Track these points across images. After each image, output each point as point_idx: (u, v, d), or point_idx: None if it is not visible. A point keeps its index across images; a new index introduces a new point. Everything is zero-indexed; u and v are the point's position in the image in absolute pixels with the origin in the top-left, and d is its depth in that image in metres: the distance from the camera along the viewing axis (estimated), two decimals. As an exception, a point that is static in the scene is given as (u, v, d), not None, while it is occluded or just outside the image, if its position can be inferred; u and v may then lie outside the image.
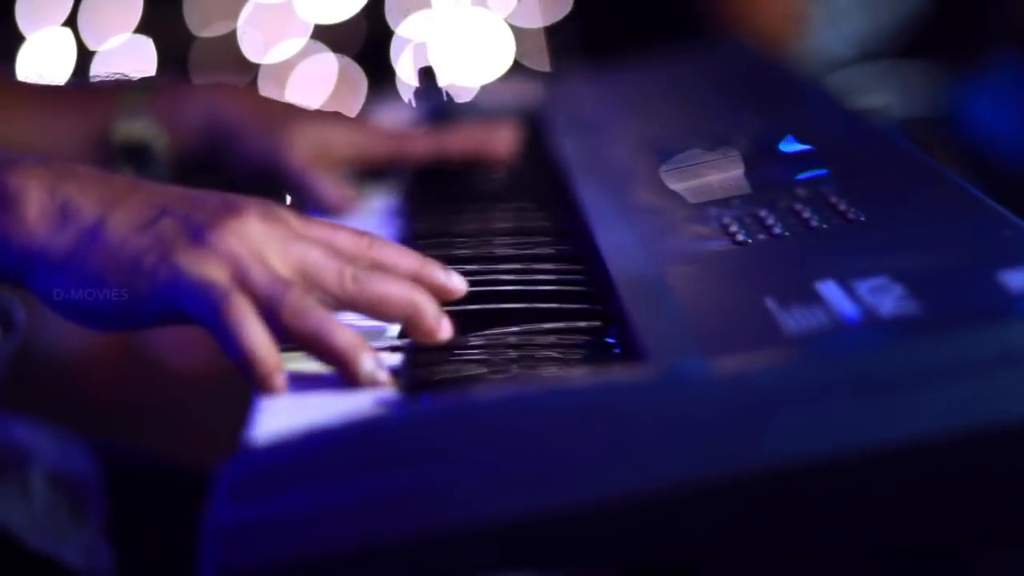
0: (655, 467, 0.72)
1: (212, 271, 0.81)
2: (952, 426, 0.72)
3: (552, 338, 0.88)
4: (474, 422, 0.72)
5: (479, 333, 0.89)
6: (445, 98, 1.43)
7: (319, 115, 1.26)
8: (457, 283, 0.89)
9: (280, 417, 0.78)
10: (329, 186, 1.21)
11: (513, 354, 0.86)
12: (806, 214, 0.95)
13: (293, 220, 0.86)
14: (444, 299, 0.88)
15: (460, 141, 1.27)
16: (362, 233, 0.89)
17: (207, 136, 1.23)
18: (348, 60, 3.77)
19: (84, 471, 1.20)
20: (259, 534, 0.71)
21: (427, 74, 1.42)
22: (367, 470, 0.71)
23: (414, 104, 1.46)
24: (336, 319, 0.82)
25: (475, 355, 0.86)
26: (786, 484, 0.72)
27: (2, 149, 0.87)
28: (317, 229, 0.87)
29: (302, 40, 3.75)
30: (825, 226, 0.93)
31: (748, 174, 1.05)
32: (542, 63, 3.72)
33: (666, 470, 0.72)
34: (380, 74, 3.69)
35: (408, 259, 0.89)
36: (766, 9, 2.38)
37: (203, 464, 1.32)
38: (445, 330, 0.86)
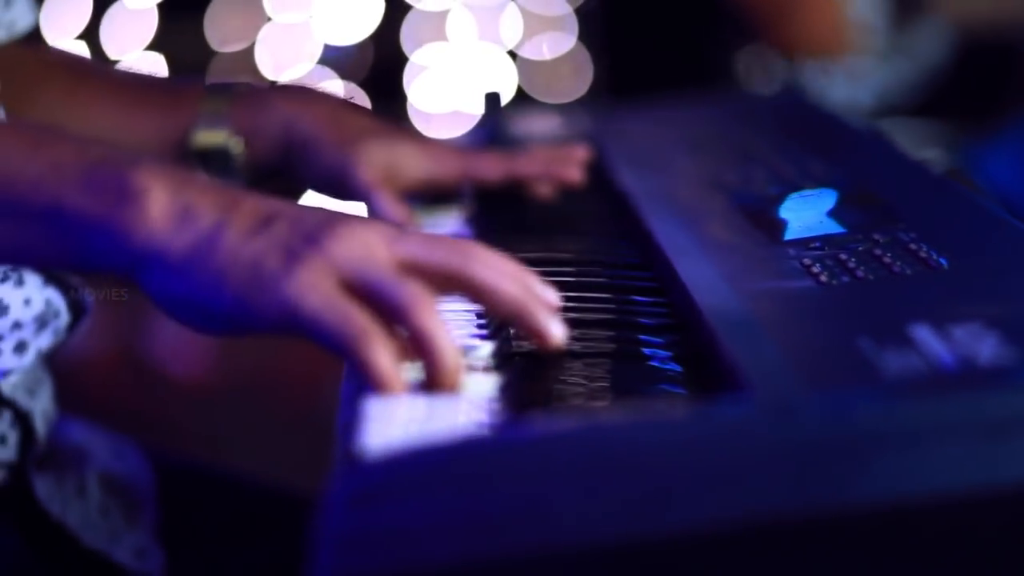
0: (756, 498, 0.73)
1: (326, 281, 0.83)
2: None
3: (642, 367, 0.89)
4: (588, 447, 0.73)
5: (569, 362, 0.90)
6: (503, 122, 1.45)
7: (393, 132, 1.28)
8: (552, 297, 0.89)
9: (389, 427, 0.79)
10: (390, 206, 1.22)
11: (607, 384, 0.87)
12: (887, 259, 0.96)
13: (394, 227, 0.88)
14: (540, 345, 0.89)
15: (531, 164, 1.28)
16: (459, 237, 0.90)
17: (283, 146, 1.24)
18: (354, 86, 3.79)
19: (137, 474, 1.21)
20: (374, 543, 0.72)
21: (493, 100, 1.43)
22: (482, 486, 0.72)
23: (477, 129, 1.47)
24: (444, 326, 0.84)
25: (572, 380, 0.87)
26: (883, 523, 0.74)
27: (127, 149, 0.90)
28: (419, 231, 0.89)
29: (309, 65, 3.77)
30: (908, 271, 0.94)
31: (825, 216, 1.07)
32: (545, 94, 3.75)
33: (766, 502, 0.73)
34: (385, 100, 3.72)
35: (509, 264, 0.89)
36: (813, 20, 2.40)
37: (237, 471, 1.33)
38: (556, 332, 0.88)
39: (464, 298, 0.89)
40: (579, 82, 3.56)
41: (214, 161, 1.23)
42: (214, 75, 3.65)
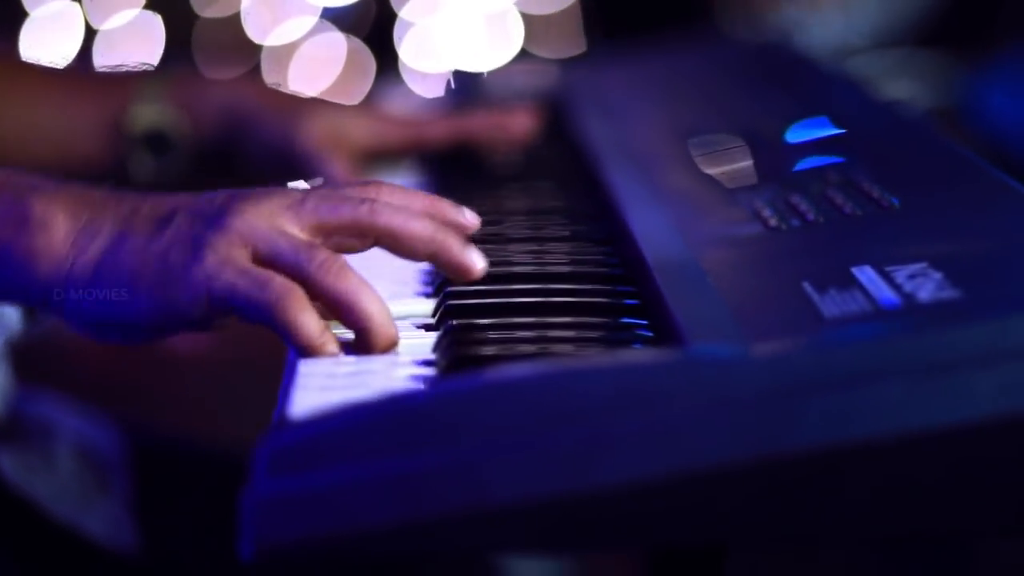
0: (695, 448, 0.72)
1: (237, 256, 0.82)
2: (991, 411, 0.72)
3: (589, 319, 0.88)
4: (512, 400, 0.72)
5: (512, 312, 0.88)
6: (468, 81, 1.44)
7: (335, 105, 1.27)
8: (471, 219, 0.88)
9: (316, 392, 0.78)
10: (340, 170, 1.21)
11: (549, 334, 0.85)
12: (839, 200, 0.95)
13: (295, 192, 0.87)
14: (461, 279, 0.87)
15: (477, 124, 1.27)
16: (366, 181, 0.88)
17: (224, 123, 1.24)
18: (358, 42, 3.76)
19: (108, 446, 1.21)
20: (297, 508, 0.71)
21: (457, 76, 1.44)
22: (405, 447, 0.71)
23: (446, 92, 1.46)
24: (367, 283, 0.83)
25: (512, 334, 0.85)
26: (822, 467, 0.72)
27: (24, 174, 0.87)
28: (323, 188, 0.88)
29: (312, 19, 3.74)
30: (859, 212, 0.92)
31: (779, 160, 1.05)
32: (549, 50, 3.71)
33: (703, 450, 0.72)
34: (389, 57, 3.69)
35: (418, 198, 0.88)
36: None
37: (224, 444, 1.33)
38: (477, 264, 0.86)
39: (382, 247, 0.86)
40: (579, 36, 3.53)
41: (154, 142, 1.22)
42: (199, 42, 3.63)
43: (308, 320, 0.81)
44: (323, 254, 0.83)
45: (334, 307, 0.83)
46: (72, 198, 0.86)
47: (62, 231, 0.84)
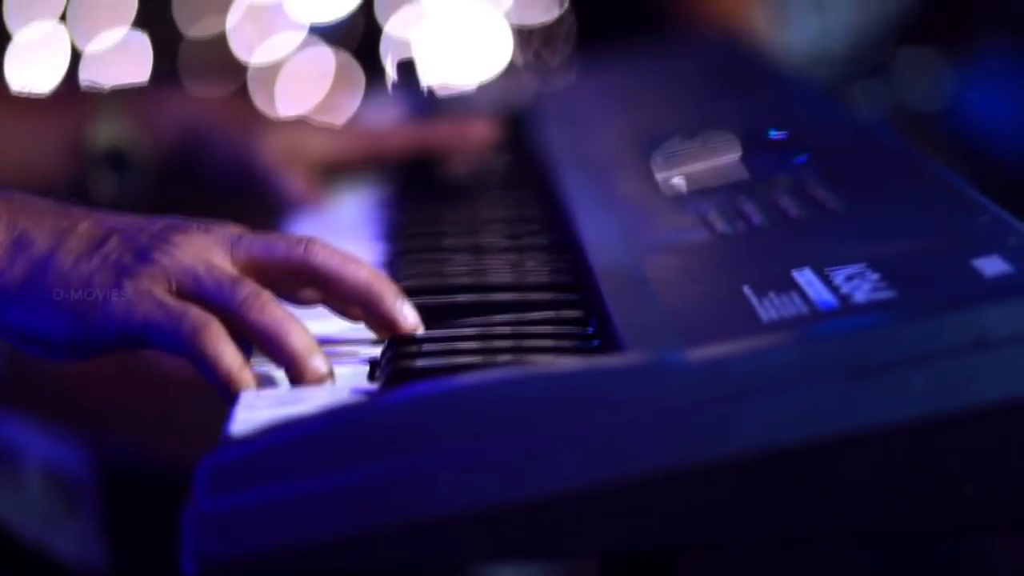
0: (633, 454, 0.72)
1: (159, 290, 0.82)
2: (926, 410, 0.72)
3: (533, 328, 0.89)
4: (451, 410, 0.73)
5: (457, 322, 0.89)
6: (425, 92, 1.44)
7: (293, 121, 1.28)
8: (410, 320, 0.87)
9: (257, 410, 0.79)
10: (296, 182, 1.22)
11: (496, 344, 0.86)
12: (785, 204, 0.95)
13: (235, 228, 0.87)
14: (393, 332, 0.86)
15: (435, 136, 1.28)
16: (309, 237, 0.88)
17: (183, 139, 1.25)
18: (346, 56, 3.76)
19: (77, 467, 1.21)
20: (238, 524, 0.71)
21: (406, 68, 1.44)
22: (346, 460, 0.72)
23: (392, 98, 1.47)
24: (293, 317, 0.83)
25: (454, 346, 0.86)
26: (763, 470, 0.73)
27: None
28: (259, 232, 0.87)
29: (299, 35, 3.74)
30: (804, 216, 0.93)
31: (730, 164, 1.06)
32: (534, 63, 3.71)
33: (644, 457, 0.72)
34: (378, 71, 3.69)
35: (362, 263, 0.87)
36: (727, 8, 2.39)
37: (193, 464, 1.33)
38: (409, 318, 0.86)
39: (314, 291, 0.86)
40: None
41: (113, 159, 1.23)
42: (186, 62, 3.64)
43: (225, 352, 0.81)
44: (247, 288, 0.82)
45: (258, 341, 0.83)
46: (9, 208, 0.86)
47: None
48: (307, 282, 0.86)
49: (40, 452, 1.20)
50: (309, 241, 0.85)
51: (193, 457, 1.36)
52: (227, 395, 0.81)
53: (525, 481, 0.72)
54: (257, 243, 0.85)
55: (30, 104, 1.30)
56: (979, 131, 2.42)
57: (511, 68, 3.70)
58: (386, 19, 3.72)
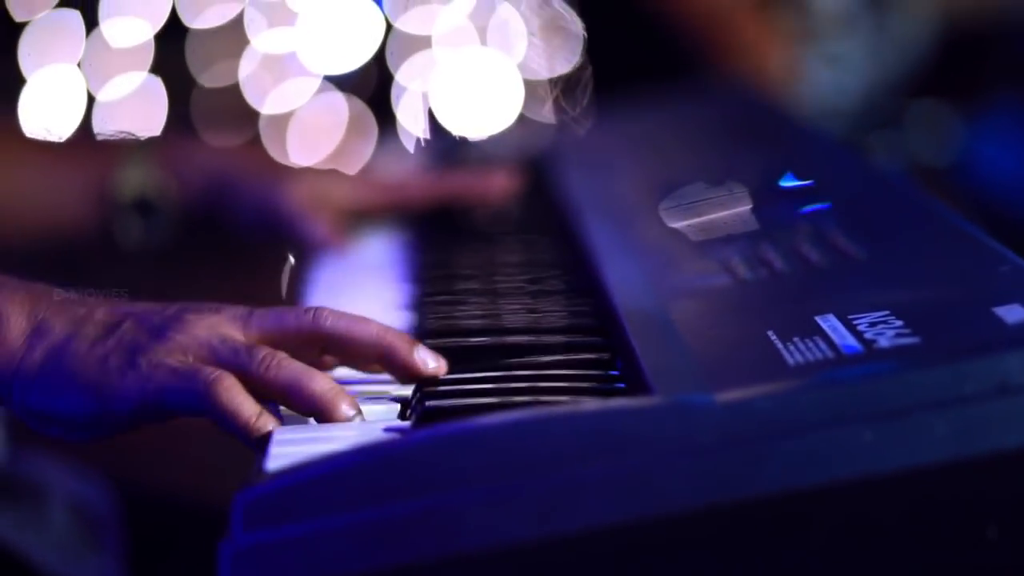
0: (662, 493, 0.74)
1: (177, 358, 0.84)
2: (950, 454, 0.74)
3: (559, 371, 0.90)
4: (483, 448, 0.74)
5: (485, 365, 0.90)
6: (450, 143, 1.47)
7: (318, 170, 1.30)
8: (430, 364, 0.89)
9: (292, 446, 0.80)
10: (321, 228, 1.23)
11: (521, 385, 0.87)
12: (806, 251, 0.97)
13: (243, 308, 0.89)
14: (415, 378, 0.89)
15: (457, 186, 1.29)
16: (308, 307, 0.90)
17: (209, 186, 1.26)
18: (360, 104, 3.78)
19: (101, 502, 1.22)
20: (273, 558, 0.73)
21: (431, 118, 1.47)
22: (378, 496, 0.73)
23: (413, 149, 1.49)
24: (312, 368, 0.85)
25: (483, 387, 0.87)
26: (788, 510, 0.74)
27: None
28: (272, 309, 0.90)
29: (314, 83, 3.76)
30: (826, 263, 0.95)
31: (750, 211, 1.07)
32: (548, 115, 3.72)
33: (672, 496, 0.74)
34: (390, 120, 3.70)
35: (370, 322, 0.89)
36: (759, 58, 2.42)
37: (215, 500, 1.34)
38: (429, 363, 0.88)
39: (331, 356, 0.89)
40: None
41: (140, 209, 1.25)
42: (198, 111, 3.66)
43: (241, 402, 0.83)
44: (262, 350, 0.85)
45: (283, 397, 0.85)
46: (30, 298, 0.89)
47: (15, 329, 0.87)
48: (322, 349, 0.88)
49: (64, 487, 1.21)
50: (316, 309, 0.88)
51: (213, 493, 1.37)
52: (250, 443, 0.83)
53: (555, 519, 0.73)
54: (268, 316, 0.88)
55: (58, 151, 1.32)
56: (990, 184, 2.44)
57: (522, 119, 3.72)
58: (397, 68, 3.74)
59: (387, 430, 0.83)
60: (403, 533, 0.73)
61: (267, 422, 0.83)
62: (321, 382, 0.84)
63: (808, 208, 1.06)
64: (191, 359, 0.85)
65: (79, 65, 3.53)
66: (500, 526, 0.73)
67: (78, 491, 1.22)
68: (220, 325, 0.86)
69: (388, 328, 0.88)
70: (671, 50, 2.48)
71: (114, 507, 1.24)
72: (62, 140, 1.36)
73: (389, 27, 3.72)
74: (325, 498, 0.73)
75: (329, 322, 0.87)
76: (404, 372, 0.88)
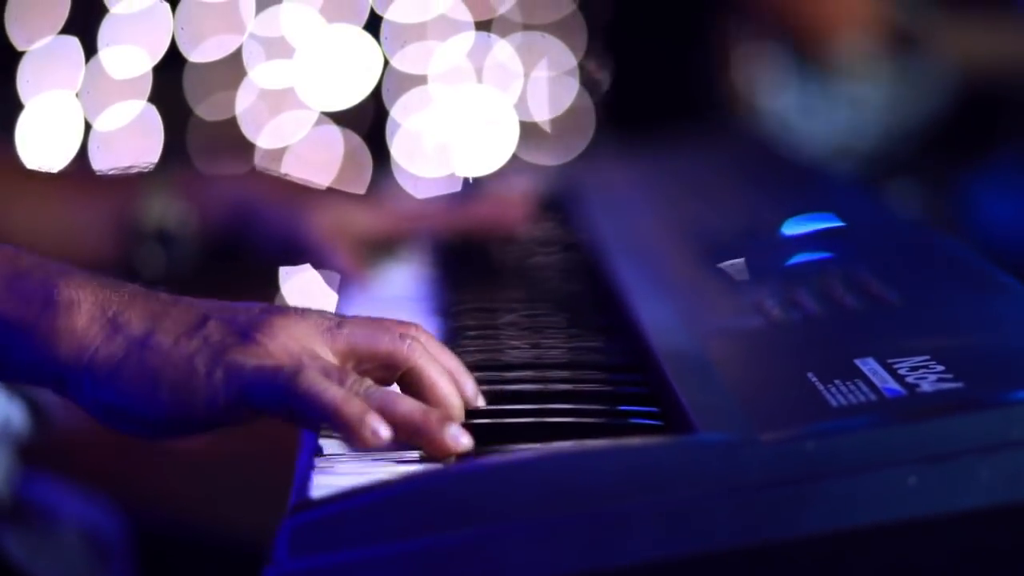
0: (707, 531, 0.74)
1: (267, 358, 0.82)
2: (994, 499, 0.74)
3: (598, 406, 0.90)
4: (527, 481, 0.74)
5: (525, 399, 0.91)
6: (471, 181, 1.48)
7: (340, 194, 1.30)
8: (475, 397, 0.88)
9: (335, 475, 0.80)
10: (343, 257, 1.23)
11: (559, 421, 0.87)
12: (840, 294, 0.97)
13: (331, 316, 0.87)
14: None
15: (476, 217, 1.29)
16: (405, 322, 0.89)
17: (230, 216, 1.26)
18: (356, 139, 3.80)
19: (111, 529, 1.22)
20: (319, 586, 0.72)
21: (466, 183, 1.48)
22: (423, 526, 0.73)
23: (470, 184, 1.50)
24: (396, 392, 0.83)
25: (520, 422, 0.88)
26: (832, 552, 0.74)
27: (57, 261, 0.89)
28: (358, 318, 0.88)
29: (311, 118, 3.78)
30: (859, 306, 0.95)
31: (781, 254, 1.08)
32: (542, 157, 3.74)
33: (717, 534, 0.74)
34: (385, 157, 3.72)
35: (449, 354, 0.89)
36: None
37: (224, 530, 1.34)
38: (464, 443, 0.83)
39: (402, 384, 0.87)
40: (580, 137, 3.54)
41: (164, 238, 1.25)
42: (195, 142, 3.67)
43: (327, 387, 0.80)
44: (351, 378, 0.82)
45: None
46: (102, 288, 0.87)
47: (86, 317, 0.85)
48: (398, 375, 0.86)
49: (75, 513, 1.21)
50: (413, 339, 0.86)
51: (222, 520, 1.37)
52: (340, 427, 0.80)
53: (599, 554, 0.73)
54: (360, 332, 0.86)
55: (78, 184, 1.32)
56: (995, 237, 2.46)
57: (516, 159, 3.74)
58: (392, 103, 3.76)
59: (430, 460, 0.83)
60: (448, 564, 0.73)
61: (357, 406, 0.80)
62: (409, 405, 0.82)
63: (838, 251, 1.07)
64: (280, 359, 0.82)
65: (77, 95, 3.54)
66: (545, 560, 0.73)
67: (88, 516, 1.22)
68: (308, 338, 0.84)
69: (456, 390, 0.87)
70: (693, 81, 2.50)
71: (123, 533, 1.24)
72: (80, 173, 1.36)
73: (386, 63, 3.75)
74: (372, 527, 0.73)
75: (421, 364, 0.86)
76: (431, 446, 0.83)
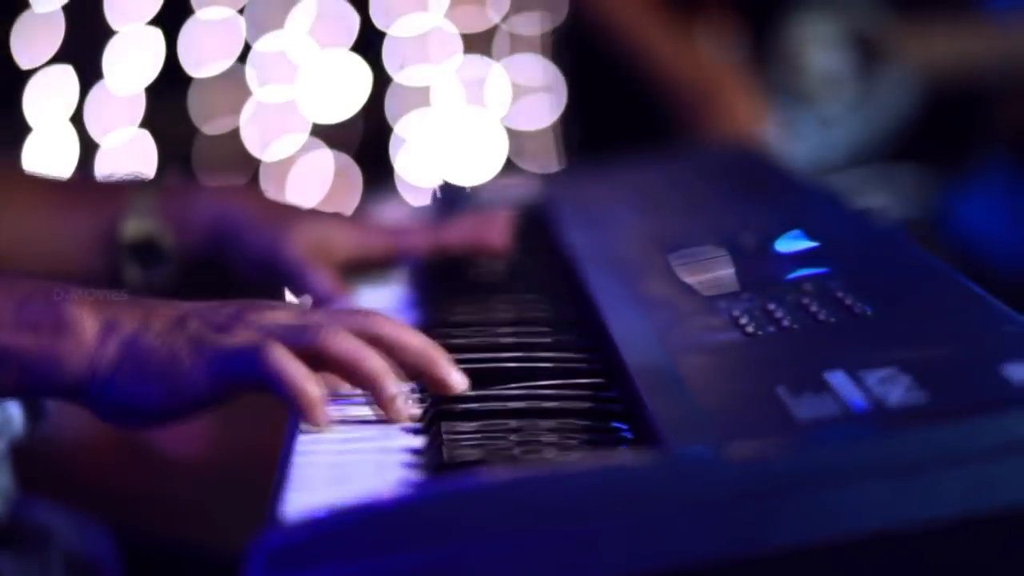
0: (670, 547, 0.74)
1: (242, 338, 0.92)
2: (959, 510, 0.75)
3: (571, 421, 0.91)
4: (499, 501, 0.75)
5: (500, 419, 0.92)
6: (453, 192, 1.48)
7: (320, 214, 1.31)
8: (458, 379, 0.95)
9: (309, 492, 0.81)
10: (323, 280, 1.24)
11: (533, 437, 0.88)
12: (813, 308, 0.98)
13: (303, 305, 0.99)
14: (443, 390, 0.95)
15: (456, 235, 1.30)
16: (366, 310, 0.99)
17: (211, 234, 1.27)
18: (346, 158, 3.84)
19: (101, 553, 1.23)
20: (291, 606, 0.73)
21: (446, 190, 1.49)
22: (395, 546, 0.74)
23: (433, 202, 1.51)
24: (366, 346, 0.92)
25: (496, 437, 0.88)
26: (795, 566, 0.75)
27: (50, 282, 0.98)
28: (325, 309, 0.99)
29: (303, 136, 3.81)
30: (832, 319, 0.96)
31: (756, 268, 1.09)
32: (535, 164, 3.78)
33: (680, 550, 0.74)
34: (378, 171, 3.75)
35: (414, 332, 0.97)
36: (728, 119, 2.45)
37: (215, 548, 1.35)
38: (458, 380, 0.94)
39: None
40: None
41: (144, 253, 1.26)
42: (199, 155, 3.70)
43: (291, 363, 0.90)
44: (324, 325, 0.92)
45: (338, 369, 0.92)
46: (96, 302, 0.96)
47: (89, 332, 0.94)
48: (371, 344, 0.94)
49: (66, 538, 1.21)
50: (372, 313, 0.96)
51: (213, 541, 1.38)
52: (297, 405, 0.90)
53: (571, 571, 0.74)
54: (327, 315, 0.95)
55: (66, 193, 1.32)
56: (970, 241, 2.46)
57: (505, 170, 3.78)
58: (395, 121, 3.79)
59: (405, 478, 0.84)
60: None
61: (314, 389, 0.90)
62: (375, 361, 0.92)
63: (812, 264, 1.08)
64: (255, 335, 0.92)
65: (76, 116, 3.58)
66: (516, 577, 0.74)
67: (80, 539, 1.22)
68: (282, 319, 0.93)
69: (431, 343, 0.95)
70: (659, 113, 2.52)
71: (114, 555, 1.24)
72: (69, 181, 1.37)
73: (389, 80, 3.78)
74: (343, 548, 0.74)
75: (383, 327, 0.94)
76: (436, 386, 0.94)
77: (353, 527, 0.74)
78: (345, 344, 0.92)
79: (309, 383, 0.90)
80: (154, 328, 0.94)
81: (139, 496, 2.57)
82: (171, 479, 2.66)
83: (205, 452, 2.74)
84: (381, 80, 3.82)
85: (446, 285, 1.23)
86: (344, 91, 3.84)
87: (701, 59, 2.50)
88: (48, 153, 3.53)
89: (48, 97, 3.55)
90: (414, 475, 0.85)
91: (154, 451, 2.80)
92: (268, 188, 3.62)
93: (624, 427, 0.91)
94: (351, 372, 0.92)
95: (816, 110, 2.55)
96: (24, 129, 3.53)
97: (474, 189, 1.59)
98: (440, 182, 1.47)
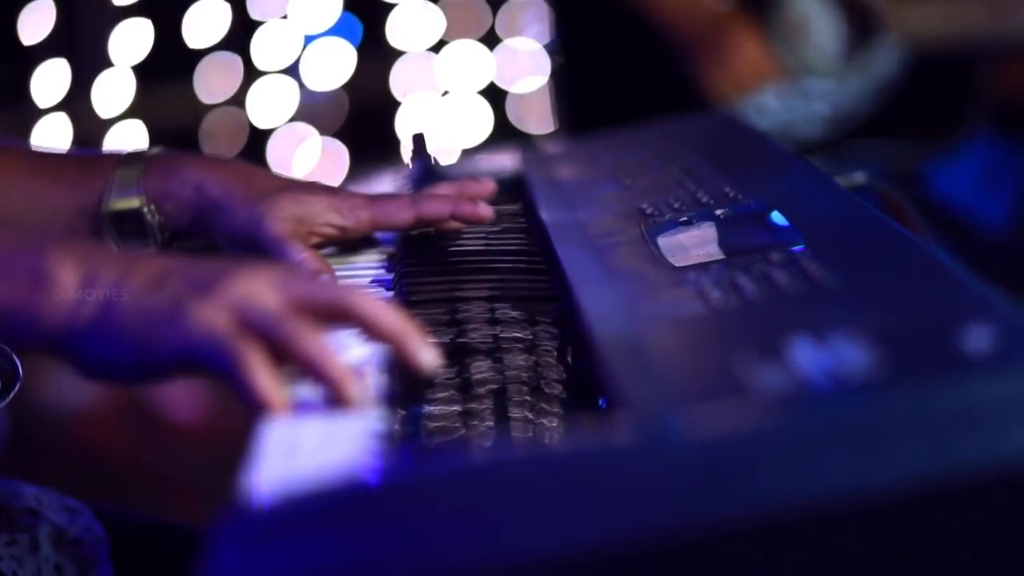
0: (632, 525, 0.75)
1: (216, 319, 0.91)
2: (918, 478, 0.76)
3: (536, 395, 0.92)
4: (463, 481, 0.76)
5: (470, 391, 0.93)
6: (433, 162, 1.48)
7: (301, 186, 1.30)
8: (432, 365, 0.95)
9: (276, 467, 0.82)
10: (302, 256, 1.24)
11: (504, 411, 0.90)
12: (779, 279, 0.99)
13: (284, 270, 0.97)
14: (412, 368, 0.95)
15: (439, 205, 1.29)
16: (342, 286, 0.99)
17: (195, 209, 1.27)
18: (331, 139, 3.87)
19: (90, 534, 1.23)
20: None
21: (418, 140, 1.48)
22: (363, 525, 0.75)
23: (410, 168, 1.50)
24: (332, 347, 0.92)
25: (467, 410, 0.90)
26: (759, 539, 0.76)
27: (33, 228, 1.00)
28: (310, 279, 0.99)
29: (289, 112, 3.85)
30: (796, 291, 0.97)
31: (726, 240, 1.10)
32: (529, 127, 3.80)
33: (642, 526, 0.76)
34: (364, 147, 3.79)
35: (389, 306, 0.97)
36: (735, 64, 2.45)
37: (204, 522, 1.36)
38: (429, 358, 0.94)
39: (349, 329, 0.95)
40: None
41: (128, 226, 1.27)
42: (206, 129, 3.73)
43: (262, 377, 0.90)
44: (291, 324, 0.91)
45: (307, 370, 0.92)
46: (78, 249, 0.97)
47: (71, 287, 0.95)
48: (344, 320, 0.95)
49: (55, 519, 1.22)
50: (350, 290, 0.98)
51: (203, 526, 1.38)
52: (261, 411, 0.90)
53: (530, 545, 0.75)
54: (306, 285, 0.95)
55: (52, 167, 1.32)
56: (954, 212, 2.47)
57: (493, 137, 3.80)
58: (402, 96, 3.83)
59: (373, 453, 0.85)
60: (388, 560, 0.75)
61: (279, 402, 0.90)
62: (338, 367, 0.91)
63: (783, 235, 1.08)
64: (228, 318, 0.91)
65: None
66: (479, 557, 0.75)
67: (68, 522, 1.23)
68: (260, 288, 0.93)
69: (404, 320, 0.95)
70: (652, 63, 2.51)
71: (103, 540, 1.25)
72: (56, 154, 1.37)
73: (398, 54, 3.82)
74: (314, 525, 0.75)
75: (358, 304, 0.94)
76: (408, 363, 0.94)
77: (319, 504, 0.76)
78: (313, 349, 0.91)
79: (275, 391, 0.90)
80: (134, 282, 0.94)
81: (136, 465, 2.58)
82: (170, 448, 2.67)
83: (206, 420, 2.75)
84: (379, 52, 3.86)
85: (420, 259, 1.24)
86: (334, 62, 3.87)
87: (706, 2, 2.50)
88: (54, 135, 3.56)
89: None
90: (383, 453, 0.86)
91: (154, 418, 2.81)
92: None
93: (594, 400, 0.92)
94: (315, 376, 0.92)
95: (802, 85, 2.55)
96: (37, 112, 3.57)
97: (445, 162, 1.58)
98: (415, 134, 1.45)
